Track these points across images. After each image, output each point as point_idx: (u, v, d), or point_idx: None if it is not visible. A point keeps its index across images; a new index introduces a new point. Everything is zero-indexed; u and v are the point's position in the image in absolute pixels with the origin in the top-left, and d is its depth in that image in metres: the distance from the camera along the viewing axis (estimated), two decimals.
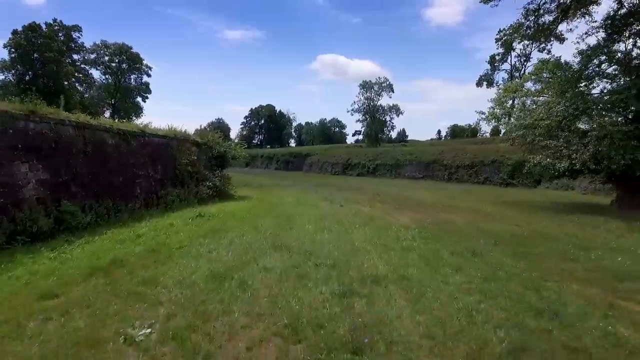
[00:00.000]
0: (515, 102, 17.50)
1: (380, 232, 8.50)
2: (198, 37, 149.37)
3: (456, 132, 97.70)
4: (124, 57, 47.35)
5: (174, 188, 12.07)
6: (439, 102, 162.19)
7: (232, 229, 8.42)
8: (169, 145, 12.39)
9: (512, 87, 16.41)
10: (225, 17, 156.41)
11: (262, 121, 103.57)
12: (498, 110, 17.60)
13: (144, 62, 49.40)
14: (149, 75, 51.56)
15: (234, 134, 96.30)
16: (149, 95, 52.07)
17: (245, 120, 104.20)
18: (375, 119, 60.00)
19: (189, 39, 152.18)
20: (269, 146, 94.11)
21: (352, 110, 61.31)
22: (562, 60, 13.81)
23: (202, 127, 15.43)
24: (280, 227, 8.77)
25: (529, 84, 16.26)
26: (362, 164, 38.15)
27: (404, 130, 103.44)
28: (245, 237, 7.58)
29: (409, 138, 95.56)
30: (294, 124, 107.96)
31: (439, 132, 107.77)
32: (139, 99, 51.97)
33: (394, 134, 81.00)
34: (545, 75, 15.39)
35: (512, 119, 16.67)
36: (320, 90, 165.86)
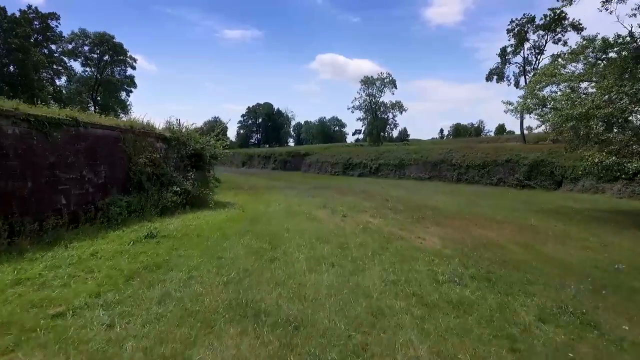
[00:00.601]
0: (551, 89, 14.64)
1: (405, 267, 5.64)
2: (197, 36, 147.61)
3: (459, 130, 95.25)
4: (106, 48, 43.69)
5: (125, 195, 9.16)
6: (439, 102, 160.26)
7: (180, 263, 5.51)
8: (119, 139, 9.48)
9: (549, 70, 13.54)
10: (224, 17, 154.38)
11: (260, 120, 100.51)
12: (530, 100, 14.77)
13: (128, 53, 45.91)
14: (133, 68, 48.20)
15: (231, 133, 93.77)
16: (133, 90, 48.65)
17: (242, 119, 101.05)
18: (377, 117, 56.99)
19: (188, 39, 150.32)
20: (266, 145, 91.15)
21: (353, 107, 58.35)
22: (625, 34, 10.93)
23: (170, 118, 12.35)
24: (258, 258, 5.89)
25: (569, 67, 13.43)
26: (363, 164, 35.31)
27: (405, 129, 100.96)
28: (194, 282, 4.69)
29: (410, 137, 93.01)
30: (293, 122, 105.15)
31: (441, 130, 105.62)
32: (123, 93, 48.39)
33: (395, 133, 78.35)
34: (592, 55, 12.62)
35: (547, 109, 13.87)
36: (319, 89, 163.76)
